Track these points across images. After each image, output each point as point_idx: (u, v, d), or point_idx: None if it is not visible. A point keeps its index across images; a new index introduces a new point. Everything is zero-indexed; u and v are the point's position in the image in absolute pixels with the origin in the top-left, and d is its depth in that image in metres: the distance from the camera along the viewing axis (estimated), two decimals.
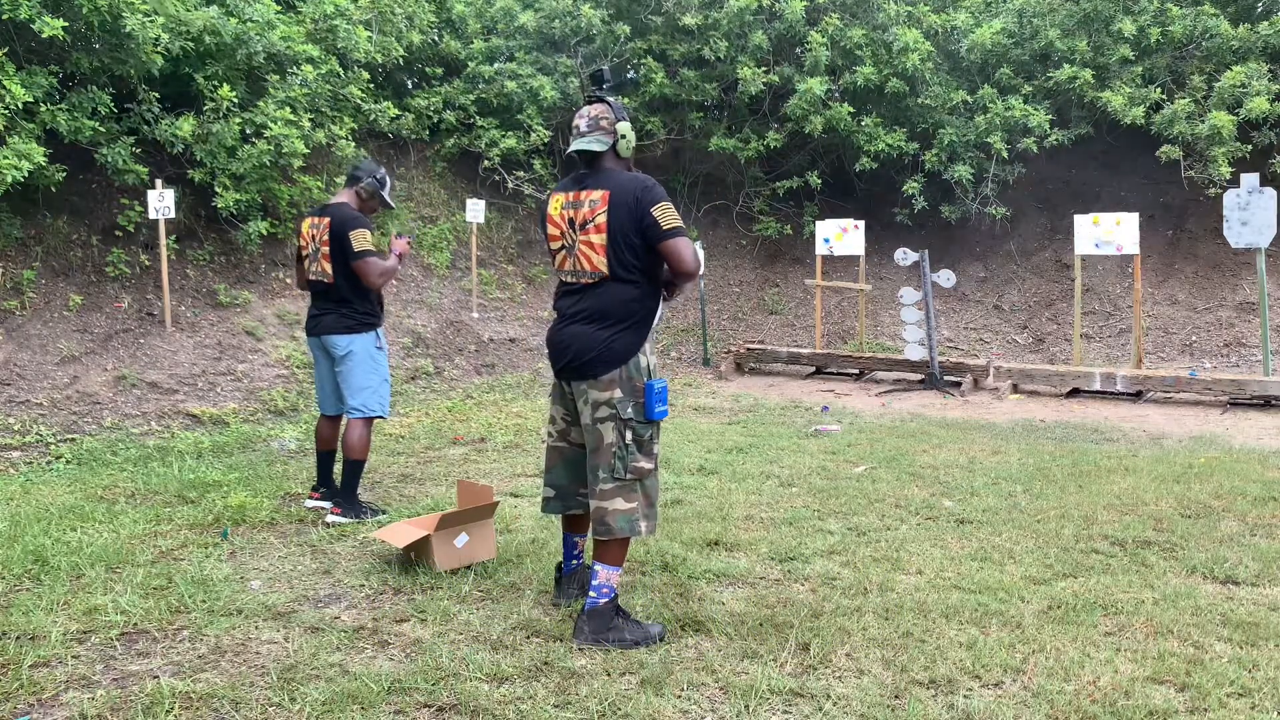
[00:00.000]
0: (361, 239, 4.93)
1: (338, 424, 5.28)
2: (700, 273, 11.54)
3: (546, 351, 3.68)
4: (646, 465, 3.43)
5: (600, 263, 3.41)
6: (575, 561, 3.84)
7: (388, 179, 5.23)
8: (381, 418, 5.19)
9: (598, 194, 3.43)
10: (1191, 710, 2.92)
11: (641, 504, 3.44)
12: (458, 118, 12.27)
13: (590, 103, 3.54)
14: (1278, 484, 5.62)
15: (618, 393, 3.40)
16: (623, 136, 3.49)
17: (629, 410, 3.40)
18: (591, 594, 3.40)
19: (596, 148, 3.46)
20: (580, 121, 3.51)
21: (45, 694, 3.04)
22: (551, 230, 3.56)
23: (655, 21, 12.66)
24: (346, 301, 5.05)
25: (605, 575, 3.40)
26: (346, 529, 4.83)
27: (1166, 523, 4.87)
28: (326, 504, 5.16)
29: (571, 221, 3.48)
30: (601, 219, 3.39)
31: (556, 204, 3.55)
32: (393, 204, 5.31)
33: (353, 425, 5.05)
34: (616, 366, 3.40)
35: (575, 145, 3.50)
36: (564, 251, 3.52)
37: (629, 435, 3.40)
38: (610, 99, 3.52)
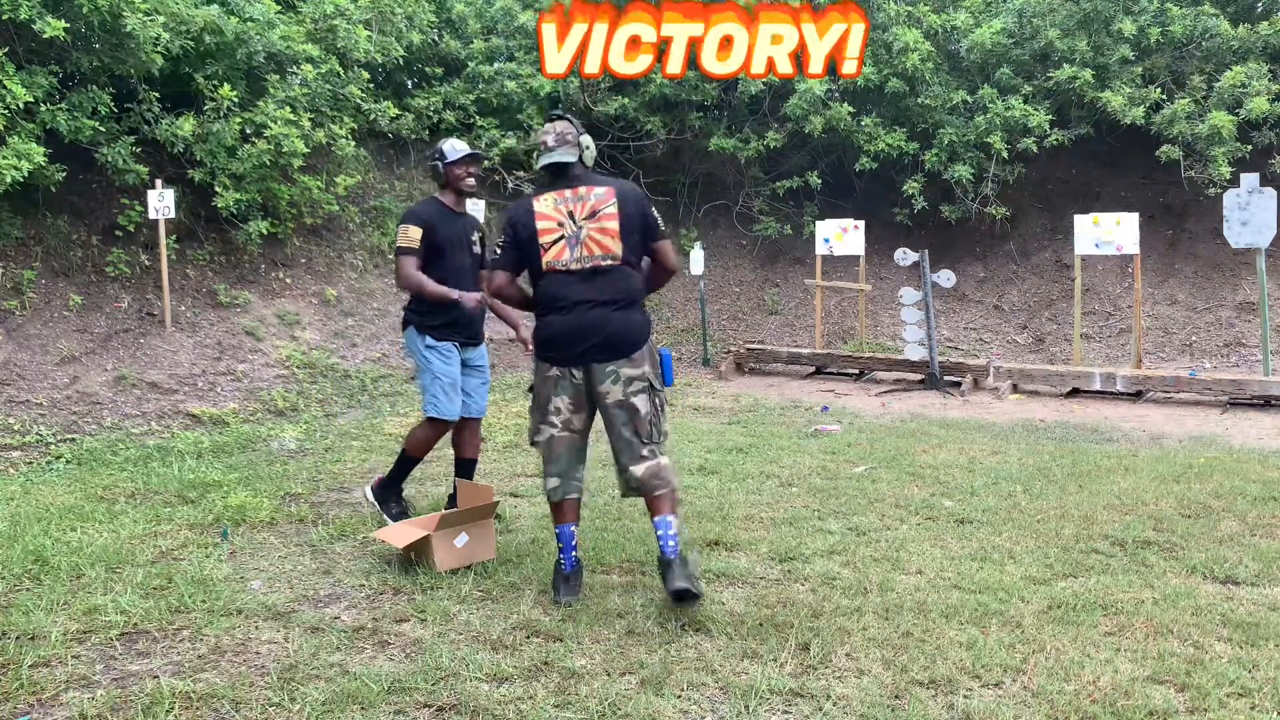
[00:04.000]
0: (401, 234, 4.75)
1: (460, 427, 5.06)
2: (700, 273, 11.60)
3: (546, 339, 3.82)
4: (668, 427, 3.92)
5: (615, 246, 3.79)
6: (574, 553, 3.89)
7: (442, 148, 4.89)
8: (437, 419, 4.83)
9: (601, 189, 3.83)
10: (1191, 710, 2.92)
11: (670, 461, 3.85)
12: (458, 118, 12.26)
13: (552, 120, 3.89)
14: (1278, 484, 5.62)
15: (647, 366, 3.82)
16: (586, 148, 3.91)
17: (655, 380, 3.83)
18: (672, 542, 3.67)
19: (569, 158, 3.85)
20: (548, 138, 3.87)
21: (45, 694, 3.04)
22: (545, 225, 3.81)
23: None
24: (409, 300, 4.93)
25: (677, 524, 3.75)
26: (346, 528, 4.84)
27: (1166, 523, 4.87)
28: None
29: (571, 214, 3.79)
30: (612, 209, 3.79)
31: (548, 202, 3.83)
32: (454, 155, 4.83)
33: (423, 422, 4.95)
34: (645, 342, 3.84)
35: (548, 159, 3.85)
36: (562, 242, 3.80)
37: (658, 401, 3.84)
38: (569, 117, 3.93)
